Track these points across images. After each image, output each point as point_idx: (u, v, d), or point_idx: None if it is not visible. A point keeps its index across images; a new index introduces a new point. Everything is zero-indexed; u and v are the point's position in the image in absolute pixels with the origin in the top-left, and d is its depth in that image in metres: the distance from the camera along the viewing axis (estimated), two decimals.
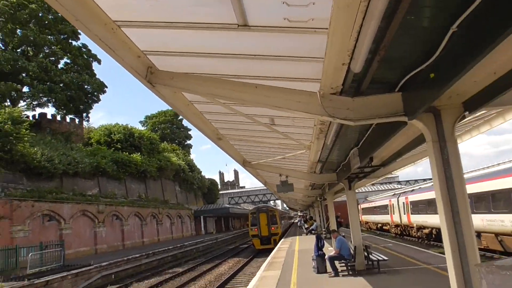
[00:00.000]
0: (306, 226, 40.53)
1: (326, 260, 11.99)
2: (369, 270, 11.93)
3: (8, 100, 39.45)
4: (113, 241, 38.30)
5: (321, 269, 12.35)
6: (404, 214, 33.06)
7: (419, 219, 29.21)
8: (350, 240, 13.22)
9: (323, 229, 29.51)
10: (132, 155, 48.72)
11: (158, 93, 5.68)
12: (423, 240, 29.49)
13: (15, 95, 40.90)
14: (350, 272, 11.71)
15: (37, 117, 44.43)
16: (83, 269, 22.05)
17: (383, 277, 10.92)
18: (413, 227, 31.38)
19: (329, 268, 12.04)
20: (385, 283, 10.09)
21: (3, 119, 28.16)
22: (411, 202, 31.02)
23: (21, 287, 17.34)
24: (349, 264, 11.72)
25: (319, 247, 12.68)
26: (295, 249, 21.88)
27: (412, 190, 33.64)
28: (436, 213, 21.38)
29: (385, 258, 11.77)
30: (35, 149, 31.91)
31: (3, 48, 42.17)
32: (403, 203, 33.16)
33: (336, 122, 5.89)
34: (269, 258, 19.23)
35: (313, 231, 35.00)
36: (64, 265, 23.17)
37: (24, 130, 29.87)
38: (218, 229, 75.63)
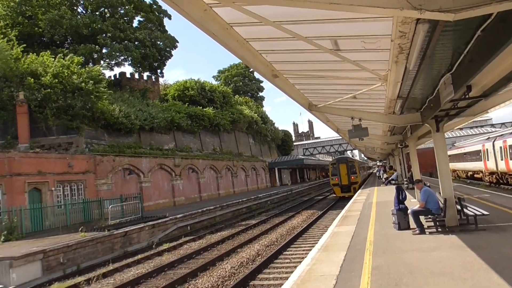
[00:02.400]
0: (385, 176, 38.13)
1: (409, 214, 10.19)
2: (463, 226, 9.95)
3: (90, 62, 41.16)
4: (190, 194, 39.57)
5: (402, 225, 10.62)
6: (502, 160, 29.11)
7: None
8: (437, 191, 11.23)
9: (405, 179, 27.05)
10: (205, 109, 49.18)
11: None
12: None
13: (96, 56, 42.62)
14: (439, 229, 9.83)
15: (117, 76, 46.55)
16: (159, 221, 22.65)
17: (483, 235, 8.92)
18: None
19: (412, 224, 10.29)
20: (487, 243, 8.14)
21: (84, 79, 29.22)
22: (511, 146, 27.04)
23: (101, 237, 18.13)
24: (437, 219, 9.83)
25: (400, 199, 10.86)
26: (372, 201, 20.11)
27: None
28: None
29: (485, 212, 9.62)
30: (114, 106, 33.09)
31: (84, 12, 43.96)
32: (501, 147, 29.11)
33: (424, 23, 4.05)
34: (343, 211, 17.80)
35: (392, 181, 32.72)
36: (142, 217, 24.10)
37: (103, 88, 30.86)
38: (293, 180, 75.50)
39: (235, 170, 50.84)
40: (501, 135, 31.77)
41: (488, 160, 32.91)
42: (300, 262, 12.20)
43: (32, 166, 22.16)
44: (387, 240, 9.42)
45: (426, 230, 9.89)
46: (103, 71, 44.24)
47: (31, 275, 14.33)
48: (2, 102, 26.47)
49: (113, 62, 45.72)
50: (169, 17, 53.46)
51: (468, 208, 10.05)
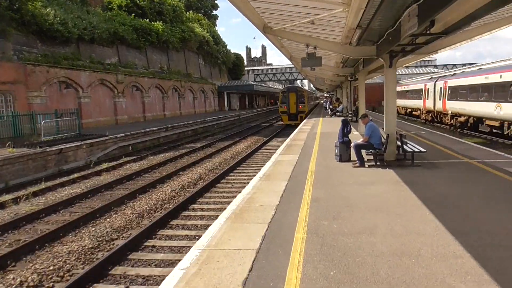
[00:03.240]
0: (331, 107, 38.92)
1: (352, 148, 10.30)
2: (400, 161, 10.28)
3: None
4: (134, 113, 38.10)
5: (344, 157, 10.77)
6: (440, 100, 30.57)
7: (456, 105, 26.83)
8: (381, 127, 11.36)
9: (350, 112, 27.67)
10: (153, 23, 45.73)
11: None
12: (455, 128, 27.58)
13: None
14: (378, 163, 10.08)
15: None
16: (99, 139, 21.62)
17: (417, 170, 9.26)
18: (446, 114, 29.19)
19: (353, 157, 10.44)
20: (419, 178, 8.44)
21: None
22: (450, 87, 28.24)
23: (32, 154, 16.98)
24: (378, 154, 10.02)
25: (344, 132, 10.88)
26: (317, 131, 20.41)
27: (454, 74, 30.42)
28: (478, 100, 18.97)
29: (422, 149, 9.92)
30: (48, 9, 29.51)
31: None
32: (441, 88, 30.39)
33: None
34: (288, 139, 17.89)
35: (338, 113, 33.50)
36: (80, 134, 22.82)
37: None
38: (241, 106, 75.33)
39: (182, 91, 49.26)
40: (443, 76, 32.97)
41: (427, 99, 34.42)
42: (242, 188, 12.26)
43: None
44: (328, 172, 9.51)
45: (365, 164, 10.07)
46: None
47: None
48: None
49: None
50: None
51: (408, 144, 10.28)
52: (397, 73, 34.58)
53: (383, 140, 10.04)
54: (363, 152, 10.17)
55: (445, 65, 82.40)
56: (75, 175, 16.58)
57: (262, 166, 13.62)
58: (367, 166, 9.99)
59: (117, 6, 45.97)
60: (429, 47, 9.09)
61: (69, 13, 32.50)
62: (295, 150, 13.75)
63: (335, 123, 25.85)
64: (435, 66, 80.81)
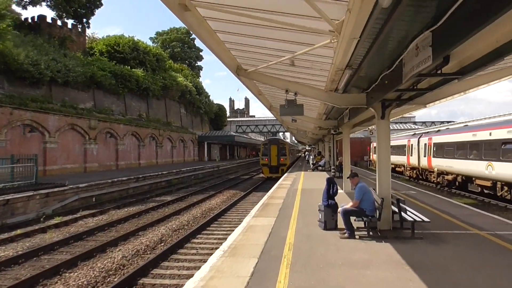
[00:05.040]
0: (313, 162, 37.61)
1: (339, 213, 8.43)
2: (397, 231, 8.47)
3: None
4: (106, 160, 35.88)
5: (329, 225, 8.89)
6: (425, 156, 29.50)
7: (442, 163, 25.64)
8: (371, 187, 9.63)
9: (332, 167, 26.17)
10: (134, 70, 44.81)
11: None
12: (442, 187, 26.23)
13: None
14: (371, 233, 8.25)
15: (36, 20, 40.12)
16: (56, 189, 19.33)
17: (421, 246, 7.40)
18: (432, 172, 27.95)
19: (340, 223, 8.61)
20: (426, 257, 6.59)
21: None
22: (436, 144, 27.26)
23: None
24: (370, 221, 8.20)
25: (330, 194, 9.09)
26: (298, 188, 18.57)
27: (438, 130, 29.63)
28: (466, 158, 17.55)
29: (425, 218, 8.11)
30: (19, 49, 28.06)
31: None
32: (425, 144, 29.45)
33: None
34: (265, 197, 15.95)
35: (320, 167, 32.08)
36: (36, 183, 20.49)
37: (5, 26, 25.68)
38: (222, 157, 73.66)
39: (160, 140, 47.47)
40: (427, 132, 32.26)
41: (411, 155, 33.42)
42: (209, 255, 10.16)
43: None
44: (310, 245, 7.57)
45: (356, 234, 8.22)
46: (16, 8, 38.18)
47: None
48: None
49: (27, 0, 39.14)
50: None
51: (408, 212, 8.51)
52: (373, 129, 32.74)
53: (376, 205, 8.25)
54: (353, 219, 8.34)
55: (423, 122, 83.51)
56: (18, 232, 14.20)
57: (235, 227, 11.71)
58: (357, 237, 8.10)
59: (98, 52, 45.19)
60: (431, 95, 7.63)
61: (43, 55, 31.12)
62: (272, 211, 11.81)
63: (318, 178, 24.23)
64: (414, 123, 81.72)
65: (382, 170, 8.79)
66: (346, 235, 8.14)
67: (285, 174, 28.99)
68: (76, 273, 9.42)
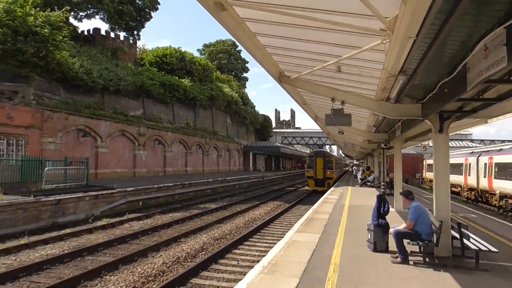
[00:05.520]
0: (361, 177, 36.29)
1: (391, 235, 7.70)
2: (457, 260, 7.57)
3: (56, 8, 37.02)
4: (154, 166, 36.76)
5: (379, 246, 8.19)
6: (485, 177, 27.31)
7: (506, 185, 23.54)
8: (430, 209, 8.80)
9: (382, 184, 24.99)
10: (182, 80, 45.97)
11: None
12: (505, 211, 24.09)
13: (62, 2, 38.17)
14: (427, 259, 7.46)
15: (91, 32, 42.58)
16: (104, 192, 19.86)
17: (490, 281, 6.46)
18: (494, 194, 25.79)
19: (391, 245, 7.91)
20: None
21: (39, 23, 25.59)
22: (498, 164, 25.12)
23: (23, 203, 15.25)
24: (427, 246, 7.42)
25: (380, 213, 8.38)
26: (345, 204, 17.74)
27: (500, 149, 27.36)
28: None
29: (492, 248, 7.11)
30: (74, 59, 29.59)
31: None
32: (485, 164, 27.26)
33: None
34: (310, 211, 15.34)
35: (368, 183, 30.81)
36: (87, 185, 21.27)
37: (61, 37, 27.20)
38: (267, 167, 73.40)
39: (207, 148, 48.10)
40: (487, 151, 29.95)
41: (469, 175, 31.19)
42: (250, 267, 9.76)
43: None
44: (359, 268, 6.93)
45: (409, 260, 7.46)
46: (73, 21, 40.40)
47: None
48: None
49: (82, 14, 41.36)
50: None
51: (471, 239, 7.58)
52: (426, 145, 30.74)
53: (433, 228, 7.46)
54: (406, 242, 7.59)
55: (481, 140, 78.63)
56: (67, 231, 14.66)
57: (278, 240, 11.25)
58: (411, 262, 7.35)
59: (148, 63, 46.90)
60: (498, 107, 6.82)
61: (96, 64, 32.61)
62: (317, 226, 11.21)
63: (366, 194, 23.19)
64: (471, 141, 77.16)
65: (440, 189, 7.97)
66: (398, 259, 7.42)
67: (332, 188, 28.08)
68: (116, 277, 9.38)
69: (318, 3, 4.73)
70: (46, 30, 25.43)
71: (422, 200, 20.32)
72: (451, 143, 63.70)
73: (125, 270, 9.96)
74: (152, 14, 48.77)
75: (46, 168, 19.47)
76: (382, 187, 23.40)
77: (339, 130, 19.76)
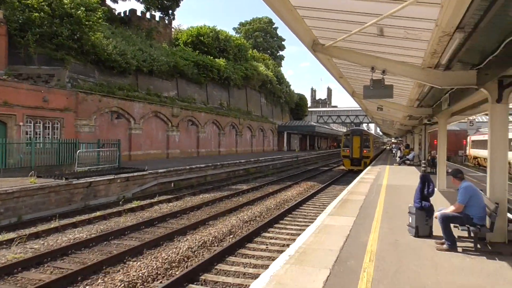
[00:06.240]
0: (400, 154, 34.66)
1: (437, 218, 6.76)
2: None
3: None
4: (187, 147, 36.74)
5: (422, 231, 7.29)
6: None
7: None
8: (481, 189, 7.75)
9: (423, 161, 23.50)
10: (216, 59, 45.37)
11: None
12: None
13: None
14: (478, 246, 6.54)
15: (127, 13, 42.81)
16: (135, 174, 19.81)
17: None
18: None
19: (436, 230, 7.01)
20: None
21: (75, 4, 25.66)
22: None
23: (55, 186, 15.34)
24: (479, 231, 6.46)
25: (423, 194, 7.43)
26: (382, 183, 16.68)
27: None
28: None
29: None
30: (108, 40, 29.59)
31: None
32: None
33: None
34: (345, 191, 14.46)
35: (408, 161, 29.31)
36: (119, 167, 21.35)
37: (95, 18, 27.20)
38: (302, 147, 72.33)
39: (240, 128, 47.66)
40: None
41: None
42: (280, 252, 9.17)
43: None
44: (398, 256, 6.11)
45: (457, 246, 6.55)
46: (109, 3, 40.53)
47: None
48: None
49: None
50: None
51: None
52: (473, 119, 28.06)
53: (487, 211, 6.48)
54: (453, 227, 6.67)
55: None
56: (97, 214, 14.64)
57: (310, 223, 10.56)
58: (460, 250, 6.44)
59: (182, 43, 46.57)
60: None
61: (130, 45, 32.53)
62: (352, 209, 10.37)
63: (405, 173, 21.92)
64: None
65: (496, 167, 6.91)
66: (445, 246, 6.51)
67: (368, 168, 26.90)
68: (139, 262, 9.06)
69: None
70: (80, 11, 25.44)
71: (466, 179, 18.85)
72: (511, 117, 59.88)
73: (149, 256, 9.63)
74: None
75: (78, 151, 19.60)
76: (423, 165, 22.01)
77: (378, 106, 18.53)
